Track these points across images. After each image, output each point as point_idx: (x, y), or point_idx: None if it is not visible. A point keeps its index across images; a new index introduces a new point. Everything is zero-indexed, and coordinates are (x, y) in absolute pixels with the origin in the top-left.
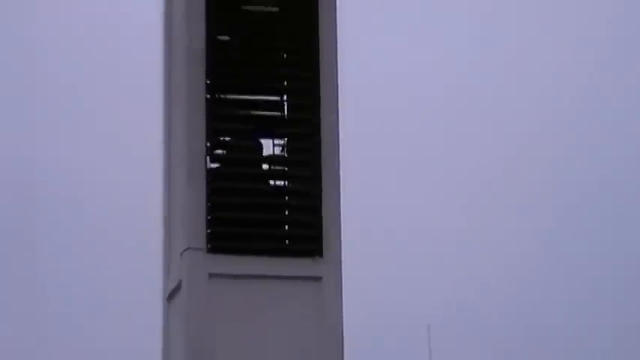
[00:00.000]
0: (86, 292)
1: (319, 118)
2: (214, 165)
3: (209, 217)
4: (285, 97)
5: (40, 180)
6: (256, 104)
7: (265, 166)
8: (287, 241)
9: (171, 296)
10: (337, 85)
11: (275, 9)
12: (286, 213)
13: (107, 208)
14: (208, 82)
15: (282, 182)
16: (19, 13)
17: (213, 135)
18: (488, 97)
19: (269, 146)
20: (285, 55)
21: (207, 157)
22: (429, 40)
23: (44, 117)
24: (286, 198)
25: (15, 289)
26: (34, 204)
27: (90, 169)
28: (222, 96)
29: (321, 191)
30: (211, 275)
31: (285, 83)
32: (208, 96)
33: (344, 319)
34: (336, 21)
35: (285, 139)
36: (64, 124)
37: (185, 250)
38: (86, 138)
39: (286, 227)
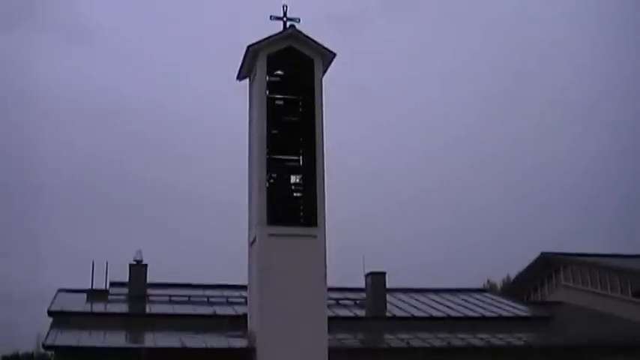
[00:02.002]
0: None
1: (315, 166)
2: (269, 185)
3: (267, 208)
4: (300, 158)
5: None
6: (288, 160)
7: (291, 187)
8: (301, 220)
9: (251, 243)
10: (323, 154)
11: (295, 119)
12: (301, 207)
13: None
14: (267, 149)
15: (299, 194)
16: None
17: (268, 172)
18: None
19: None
20: (300, 138)
21: (266, 182)
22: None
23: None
24: (301, 201)
25: None
26: None
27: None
28: (273, 156)
29: (316, 196)
30: (269, 234)
31: (300, 151)
32: (268, 156)
33: (326, 253)
34: (323, 127)
35: (300, 175)
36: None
37: (257, 223)
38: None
39: (301, 213)
